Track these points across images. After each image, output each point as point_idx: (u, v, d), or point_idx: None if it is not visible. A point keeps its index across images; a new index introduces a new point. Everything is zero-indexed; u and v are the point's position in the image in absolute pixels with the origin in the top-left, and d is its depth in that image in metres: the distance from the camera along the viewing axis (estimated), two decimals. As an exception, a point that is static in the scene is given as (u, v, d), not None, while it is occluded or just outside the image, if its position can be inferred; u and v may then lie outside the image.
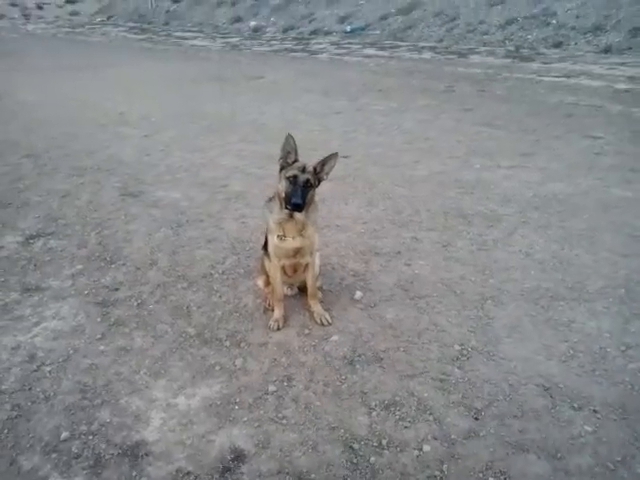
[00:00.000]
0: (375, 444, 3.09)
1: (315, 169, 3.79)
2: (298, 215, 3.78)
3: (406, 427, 3.20)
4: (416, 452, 3.03)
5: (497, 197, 6.52)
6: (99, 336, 4.10)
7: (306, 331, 4.08)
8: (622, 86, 12.73)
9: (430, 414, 3.29)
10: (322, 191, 6.47)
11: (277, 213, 3.89)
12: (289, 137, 3.78)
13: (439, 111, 11.13)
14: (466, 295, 4.49)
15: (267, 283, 4.45)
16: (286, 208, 3.75)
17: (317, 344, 3.93)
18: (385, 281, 4.75)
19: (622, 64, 15.38)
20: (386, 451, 3.05)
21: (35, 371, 3.70)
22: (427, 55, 19.52)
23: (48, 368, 3.74)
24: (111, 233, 5.76)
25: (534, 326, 4.08)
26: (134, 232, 5.78)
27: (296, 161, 3.81)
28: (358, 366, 3.70)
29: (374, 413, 3.30)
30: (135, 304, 4.49)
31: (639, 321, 4.10)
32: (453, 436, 3.13)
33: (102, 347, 3.98)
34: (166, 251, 5.33)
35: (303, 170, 3.73)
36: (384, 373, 3.63)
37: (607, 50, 17.49)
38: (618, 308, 4.25)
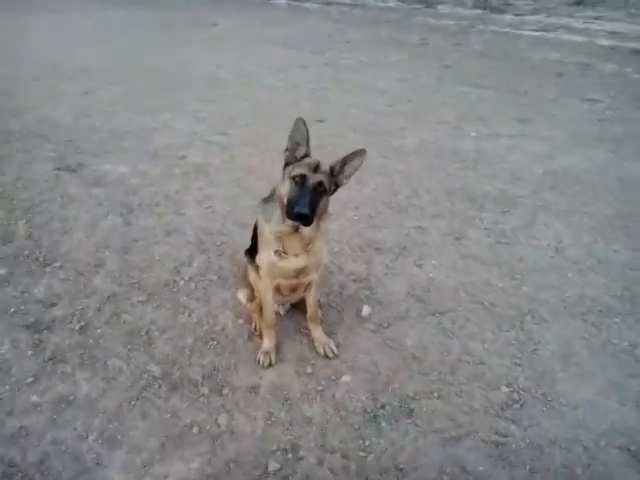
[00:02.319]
0: None
1: (332, 169, 2.74)
2: (305, 228, 2.69)
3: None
4: None
5: (504, 174, 5.60)
6: (30, 379, 3.00)
7: (308, 369, 3.12)
8: (605, 42, 11.97)
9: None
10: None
11: (276, 222, 2.83)
12: (299, 122, 2.69)
13: (416, 68, 10.08)
14: (497, 309, 3.59)
15: (251, 298, 3.45)
16: (288, 218, 2.65)
17: (324, 389, 2.97)
18: (395, 289, 3.80)
19: (598, 18, 14.63)
20: None
21: None
22: (392, 3, 18.21)
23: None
24: (44, 222, 4.56)
25: (590, 354, 3.25)
26: (73, 220, 4.60)
27: (307, 156, 2.74)
28: (384, 424, 2.76)
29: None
30: (78, 327, 3.42)
31: None
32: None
33: (35, 397, 2.89)
34: (115, 248, 4.21)
35: (315, 169, 2.67)
36: (420, 435, 2.71)
37: (579, 2, 16.61)
38: None
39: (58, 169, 5.57)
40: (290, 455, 2.63)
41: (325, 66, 10.27)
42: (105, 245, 4.27)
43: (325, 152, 5.90)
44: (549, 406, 2.89)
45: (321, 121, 7.29)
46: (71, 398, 2.93)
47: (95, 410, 2.86)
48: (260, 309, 3.42)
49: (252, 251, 3.32)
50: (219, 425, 2.78)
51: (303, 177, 2.66)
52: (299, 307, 3.50)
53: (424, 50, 11.50)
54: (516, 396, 2.96)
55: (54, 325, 3.46)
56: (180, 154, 6.10)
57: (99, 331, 3.41)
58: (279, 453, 2.64)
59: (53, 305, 3.63)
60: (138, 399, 2.92)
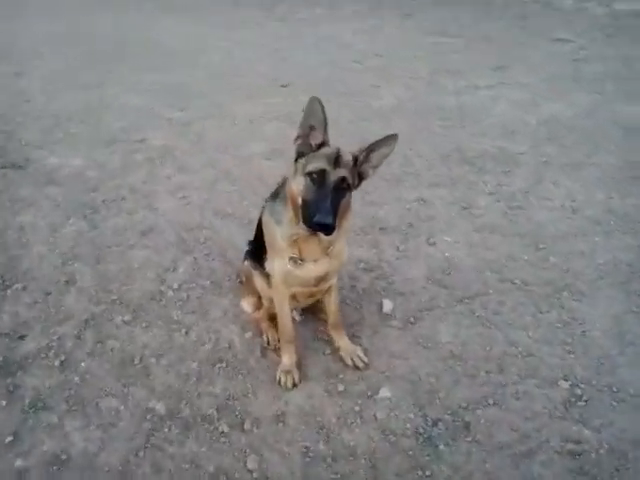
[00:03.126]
0: None
1: (356, 159, 2.22)
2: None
3: None
4: None
5: (495, 129, 5.20)
6: (9, 437, 2.48)
7: (339, 387, 2.69)
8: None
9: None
10: (270, 136, 4.93)
11: (289, 226, 2.32)
12: (314, 101, 2.17)
13: (376, 19, 9.51)
14: (530, 287, 3.23)
15: (258, 306, 2.96)
16: (306, 226, 2.16)
17: (362, 408, 2.55)
18: (412, 275, 3.38)
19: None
20: None
21: None
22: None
23: None
24: (-4, 233, 3.89)
25: None
26: (30, 229, 3.99)
27: (324, 144, 2.19)
28: (441, 446, 2.37)
29: None
30: (57, 363, 2.90)
31: None
32: None
33: (19, 462, 2.37)
34: (85, 258, 3.64)
35: (336, 161, 2.16)
36: (486, 455, 2.33)
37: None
38: None
39: (3, 167, 4.84)
40: (341, 502, 2.18)
41: (280, 22, 9.59)
42: (72, 256, 3.69)
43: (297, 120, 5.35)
44: (618, 399, 2.56)
45: (285, 85, 6.70)
46: (64, 457, 2.44)
47: (96, 469, 2.38)
48: (270, 318, 2.96)
49: (257, 253, 2.81)
50: (250, 471, 2.35)
51: (322, 173, 2.16)
52: (313, 310, 3.03)
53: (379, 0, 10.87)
54: (578, 391, 2.61)
55: (28, 363, 2.91)
56: (138, 137, 5.46)
57: (83, 365, 2.89)
58: (328, 501, 2.18)
59: (22, 338, 3.08)
60: (146, 448, 2.44)
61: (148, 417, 2.60)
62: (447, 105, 5.79)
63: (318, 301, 2.98)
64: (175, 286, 3.42)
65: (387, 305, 3.16)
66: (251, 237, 3.01)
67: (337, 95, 6.30)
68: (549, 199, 4.11)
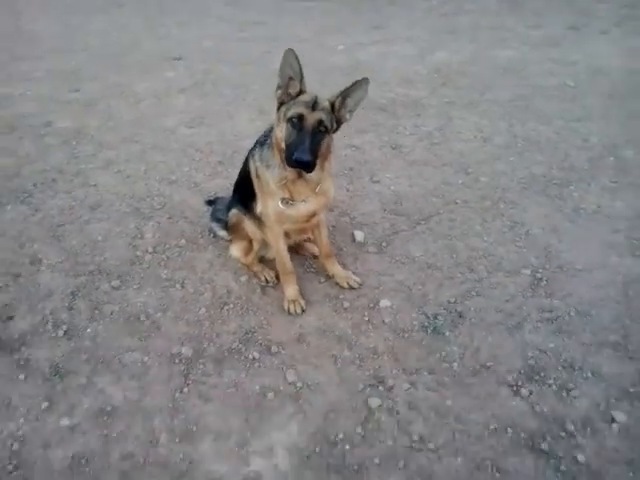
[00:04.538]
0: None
1: (332, 104, 2.49)
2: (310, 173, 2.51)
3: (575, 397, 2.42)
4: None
5: (394, 79, 5.74)
6: (45, 404, 2.55)
7: (344, 304, 2.98)
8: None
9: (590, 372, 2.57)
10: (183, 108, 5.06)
11: (278, 170, 2.60)
12: (289, 53, 2.40)
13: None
14: (472, 204, 3.77)
15: (248, 250, 3.17)
16: (288, 165, 2.44)
17: (371, 318, 2.90)
18: (369, 209, 3.82)
19: None
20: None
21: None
22: None
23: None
24: None
25: (571, 222, 3.64)
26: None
27: (302, 92, 2.47)
28: (447, 332, 2.80)
29: (523, 391, 2.45)
30: (61, 333, 2.92)
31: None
32: None
33: (65, 421, 2.48)
34: (41, 238, 3.62)
35: (314, 106, 2.43)
36: (484, 331, 2.78)
37: None
38: (636, 177, 3.93)
39: None
40: (381, 388, 2.55)
41: (140, 2, 9.36)
42: (26, 238, 3.62)
43: (206, 90, 5.54)
44: (569, 275, 3.12)
45: (178, 59, 6.74)
46: (109, 408, 2.51)
47: (146, 412, 2.49)
48: (260, 260, 3.20)
49: (244, 200, 3.03)
50: (291, 383, 2.59)
51: (300, 117, 2.42)
52: (298, 250, 3.32)
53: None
54: (538, 275, 3.13)
55: (28, 339, 2.89)
56: (42, 121, 5.27)
57: (89, 330, 2.93)
58: (369, 390, 2.54)
59: (10, 318, 3.03)
60: (188, 384, 2.60)
61: (176, 361, 2.72)
62: (343, 63, 6.17)
63: (306, 240, 3.24)
64: (150, 250, 3.49)
65: (359, 235, 3.50)
66: (205, 198, 3.43)
67: (238, 64, 6.48)
68: (461, 132, 4.65)
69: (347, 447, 2.31)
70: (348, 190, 3.95)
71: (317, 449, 2.30)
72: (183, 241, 3.53)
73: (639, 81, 5.43)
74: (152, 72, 6.38)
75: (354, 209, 3.74)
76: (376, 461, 2.24)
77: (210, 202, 3.74)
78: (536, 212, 3.62)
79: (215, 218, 3.55)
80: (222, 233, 3.47)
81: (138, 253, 3.44)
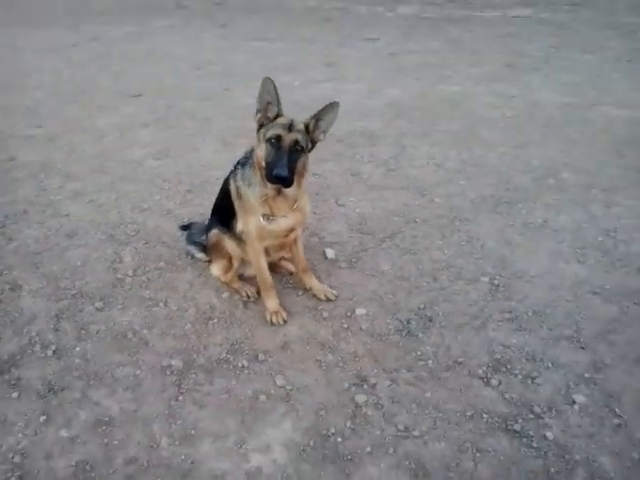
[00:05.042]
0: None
1: (307, 126, 2.77)
2: (288, 189, 2.78)
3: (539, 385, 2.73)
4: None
5: (351, 114, 6.09)
6: (42, 417, 2.64)
7: (323, 314, 3.22)
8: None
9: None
10: (149, 141, 5.27)
11: (259, 188, 2.86)
12: (267, 81, 2.69)
13: (193, 30, 10.00)
14: (431, 222, 4.11)
15: (228, 268, 3.38)
16: (268, 182, 2.71)
17: (349, 325, 3.15)
18: (337, 229, 4.09)
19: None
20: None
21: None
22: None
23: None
24: None
25: (522, 235, 3.98)
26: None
27: (279, 116, 2.75)
28: (420, 334, 3.08)
29: (493, 381, 2.74)
30: (50, 353, 3.02)
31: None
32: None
33: (63, 433, 2.58)
34: (19, 265, 3.72)
35: (290, 128, 2.70)
36: (453, 333, 3.07)
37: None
38: (585, 196, 4.31)
39: None
40: (365, 386, 2.76)
41: (95, 42, 9.56)
42: (4, 266, 3.70)
43: (172, 123, 5.76)
44: (523, 281, 3.45)
45: (138, 95, 6.95)
46: (106, 419, 2.62)
47: (144, 420, 2.61)
48: (239, 278, 3.39)
49: (223, 220, 3.25)
50: (281, 387, 2.77)
51: (278, 138, 2.69)
52: (275, 269, 3.53)
53: (188, 13, 11.33)
54: (496, 281, 3.45)
55: (17, 360, 2.98)
56: (6, 156, 5.35)
57: (78, 349, 3.04)
58: (354, 388, 2.75)
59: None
60: (182, 393, 2.74)
61: (168, 373, 2.86)
62: (301, 97, 6.49)
63: (281, 259, 3.47)
64: (130, 273, 3.63)
65: (330, 253, 3.76)
66: (179, 224, 3.77)
67: (197, 99, 6.71)
68: (415, 159, 5.03)
69: (339, 440, 2.48)
70: (315, 213, 4.20)
71: (311, 443, 2.46)
72: (162, 263, 3.67)
73: (571, 112, 5.95)
74: (110, 108, 6.55)
75: (323, 229, 3.99)
76: (367, 450, 2.43)
77: (184, 227, 3.90)
78: (489, 228, 3.96)
79: (191, 241, 3.71)
80: (200, 255, 3.63)
81: (119, 276, 3.57)
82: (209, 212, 3.51)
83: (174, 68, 7.80)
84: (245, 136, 5.44)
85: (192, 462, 2.41)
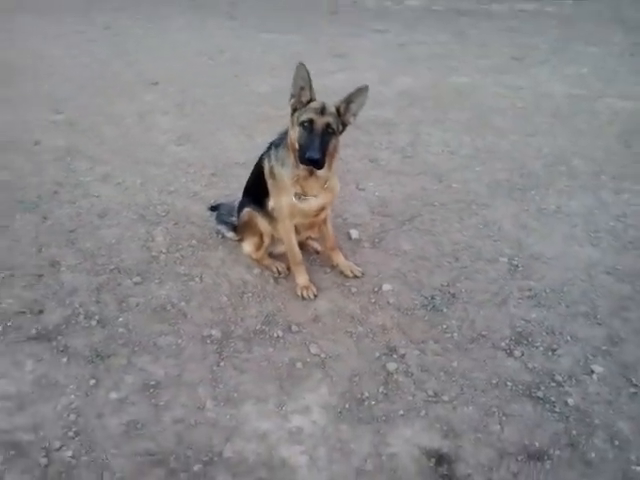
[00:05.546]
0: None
1: (338, 109, 2.92)
2: (320, 170, 2.94)
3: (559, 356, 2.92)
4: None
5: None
6: (92, 381, 2.80)
7: (352, 289, 3.38)
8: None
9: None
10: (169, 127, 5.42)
11: (292, 168, 3.02)
12: (301, 67, 2.84)
13: (203, 22, 10.16)
14: (449, 205, 4.26)
15: (258, 246, 3.55)
16: (301, 163, 2.88)
17: (376, 300, 3.32)
18: (359, 212, 4.24)
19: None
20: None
21: None
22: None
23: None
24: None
25: (536, 220, 4.14)
26: None
27: (312, 100, 2.91)
28: (445, 309, 3.25)
29: (516, 353, 2.94)
30: (94, 323, 3.18)
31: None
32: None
33: (113, 394, 2.74)
34: (56, 243, 3.84)
35: (322, 112, 2.86)
36: (477, 307, 3.25)
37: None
38: (594, 183, 4.50)
39: None
40: (395, 355, 2.93)
41: (107, 31, 9.68)
42: (42, 243, 3.84)
43: (190, 112, 5.89)
44: (541, 262, 3.62)
45: (156, 83, 7.08)
46: (153, 383, 2.79)
47: (187, 384, 2.78)
48: (269, 255, 3.55)
49: (256, 199, 3.40)
50: (316, 355, 2.94)
51: (311, 121, 2.85)
52: (302, 247, 3.68)
53: (199, 5, 11.44)
54: (515, 262, 3.62)
55: (62, 329, 3.13)
56: (31, 140, 5.47)
57: (121, 319, 3.20)
58: (385, 357, 2.92)
59: (41, 312, 3.26)
60: (222, 359, 2.91)
61: (208, 342, 3.03)
62: (315, 87, 6.62)
63: (308, 238, 3.63)
64: (164, 250, 3.79)
65: (354, 233, 3.92)
66: (207, 205, 3.97)
67: (213, 87, 6.84)
68: (430, 146, 5.19)
69: (373, 403, 2.66)
70: (338, 196, 4.34)
71: (347, 406, 2.64)
72: (194, 242, 3.83)
73: (577, 103, 6.11)
74: (130, 95, 6.66)
75: (346, 211, 4.15)
76: (400, 412, 2.61)
77: (213, 208, 4.06)
78: (505, 212, 4.13)
79: (221, 221, 3.87)
80: (230, 234, 3.79)
81: (153, 253, 3.73)
82: (235, 194, 3.65)
83: (188, 57, 7.94)
84: (262, 122, 5.60)
85: (237, 421, 2.56)
